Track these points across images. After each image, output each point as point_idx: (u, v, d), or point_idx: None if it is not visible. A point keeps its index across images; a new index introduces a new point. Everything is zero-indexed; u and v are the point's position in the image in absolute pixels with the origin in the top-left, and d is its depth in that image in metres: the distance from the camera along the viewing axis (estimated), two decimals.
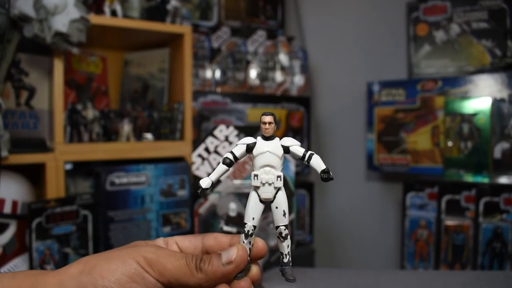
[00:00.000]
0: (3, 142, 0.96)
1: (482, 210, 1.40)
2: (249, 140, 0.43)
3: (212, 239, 0.45)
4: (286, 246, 0.43)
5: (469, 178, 1.49)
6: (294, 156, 0.43)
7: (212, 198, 1.21)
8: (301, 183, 1.81)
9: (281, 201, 0.42)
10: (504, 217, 1.37)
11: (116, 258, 0.37)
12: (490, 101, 1.46)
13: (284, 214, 0.42)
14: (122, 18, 1.22)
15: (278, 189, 0.42)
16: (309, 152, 0.43)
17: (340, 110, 1.93)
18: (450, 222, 1.48)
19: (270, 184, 0.42)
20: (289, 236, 0.43)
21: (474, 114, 1.49)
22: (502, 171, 1.44)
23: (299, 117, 1.77)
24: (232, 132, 1.20)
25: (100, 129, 1.23)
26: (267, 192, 0.42)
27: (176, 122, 1.30)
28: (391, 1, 1.80)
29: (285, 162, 1.27)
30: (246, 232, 0.41)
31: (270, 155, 0.42)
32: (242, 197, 1.14)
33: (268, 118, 0.42)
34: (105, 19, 1.18)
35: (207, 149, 1.24)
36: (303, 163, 1.78)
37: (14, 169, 1.08)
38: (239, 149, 0.43)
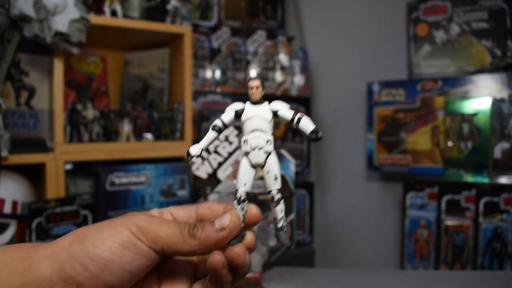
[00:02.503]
0: (3, 142, 0.96)
1: (482, 210, 1.40)
2: (238, 105, 0.42)
3: (206, 208, 0.44)
4: (279, 211, 0.42)
5: (469, 178, 1.49)
6: (283, 119, 0.42)
7: (212, 198, 1.21)
8: (301, 183, 1.81)
9: (272, 165, 0.41)
10: (504, 217, 1.37)
11: (107, 227, 0.37)
12: (490, 101, 1.46)
13: (276, 178, 0.42)
14: (122, 18, 1.22)
15: (268, 154, 0.41)
16: (298, 115, 0.42)
17: (340, 110, 1.93)
18: (450, 222, 1.48)
19: (260, 149, 0.41)
20: (282, 200, 0.42)
21: (474, 114, 1.49)
22: (502, 171, 1.44)
23: None
24: (232, 132, 1.20)
25: (100, 129, 1.23)
26: (257, 157, 0.41)
27: (176, 122, 1.30)
28: (391, 1, 1.80)
29: (285, 162, 1.26)
30: (239, 198, 0.41)
31: (259, 119, 0.41)
32: None
33: (255, 83, 0.41)
34: (105, 19, 1.18)
35: (207, 149, 1.24)
36: (303, 163, 1.78)
37: (14, 169, 1.08)
38: (228, 115, 0.42)
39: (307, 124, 0.42)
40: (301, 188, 1.80)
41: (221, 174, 1.18)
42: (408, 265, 1.59)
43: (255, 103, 0.42)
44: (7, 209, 1.03)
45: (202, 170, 1.23)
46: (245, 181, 0.41)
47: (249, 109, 0.42)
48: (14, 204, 1.04)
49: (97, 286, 0.35)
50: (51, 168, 1.09)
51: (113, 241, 0.36)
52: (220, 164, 1.18)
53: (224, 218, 0.39)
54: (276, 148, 1.41)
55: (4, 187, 0.99)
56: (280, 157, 1.21)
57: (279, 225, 0.42)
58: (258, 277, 1.06)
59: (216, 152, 1.21)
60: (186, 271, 0.43)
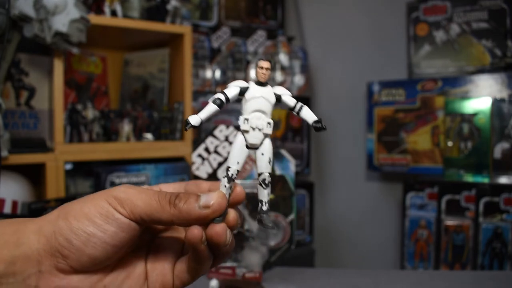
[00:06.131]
0: (3, 142, 0.96)
1: (482, 210, 1.40)
2: (243, 83, 0.42)
3: (193, 185, 0.45)
4: (266, 194, 0.42)
5: (469, 178, 1.49)
6: (285, 105, 0.43)
7: None
8: (301, 183, 1.81)
9: (267, 148, 0.42)
10: (504, 217, 1.37)
11: (88, 201, 0.38)
12: (490, 101, 1.47)
13: (269, 161, 0.42)
14: (122, 18, 1.22)
15: (265, 136, 0.42)
16: (300, 104, 0.42)
17: (340, 110, 1.93)
18: (450, 222, 1.48)
19: (260, 130, 0.41)
20: (270, 184, 0.42)
21: (474, 114, 1.49)
22: (502, 171, 1.44)
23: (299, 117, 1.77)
24: (232, 132, 1.20)
25: (100, 129, 1.23)
26: (255, 138, 0.41)
27: (176, 122, 1.30)
28: (391, 1, 1.80)
29: (285, 162, 1.26)
30: (230, 176, 0.40)
31: (264, 100, 0.41)
32: None
33: (266, 64, 0.41)
34: (105, 19, 1.18)
35: (207, 149, 1.24)
36: (303, 163, 1.78)
37: (14, 169, 1.08)
38: (232, 90, 0.41)
39: (310, 113, 0.42)
40: (301, 188, 1.81)
41: (221, 174, 1.18)
42: (408, 265, 1.59)
43: (261, 84, 0.42)
44: (7, 209, 1.03)
45: (202, 170, 1.23)
46: (238, 159, 0.41)
47: (254, 88, 0.42)
48: (14, 204, 1.04)
49: (82, 259, 0.36)
50: (51, 168, 1.09)
51: (93, 215, 0.37)
52: (220, 164, 1.18)
53: (210, 196, 0.39)
54: (276, 148, 1.41)
55: (4, 187, 0.99)
56: (280, 157, 1.21)
57: (264, 208, 0.43)
58: (258, 277, 1.06)
59: (216, 152, 1.21)
60: (173, 248, 0.44)
